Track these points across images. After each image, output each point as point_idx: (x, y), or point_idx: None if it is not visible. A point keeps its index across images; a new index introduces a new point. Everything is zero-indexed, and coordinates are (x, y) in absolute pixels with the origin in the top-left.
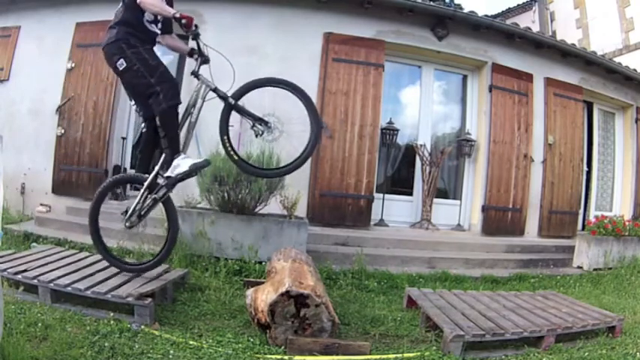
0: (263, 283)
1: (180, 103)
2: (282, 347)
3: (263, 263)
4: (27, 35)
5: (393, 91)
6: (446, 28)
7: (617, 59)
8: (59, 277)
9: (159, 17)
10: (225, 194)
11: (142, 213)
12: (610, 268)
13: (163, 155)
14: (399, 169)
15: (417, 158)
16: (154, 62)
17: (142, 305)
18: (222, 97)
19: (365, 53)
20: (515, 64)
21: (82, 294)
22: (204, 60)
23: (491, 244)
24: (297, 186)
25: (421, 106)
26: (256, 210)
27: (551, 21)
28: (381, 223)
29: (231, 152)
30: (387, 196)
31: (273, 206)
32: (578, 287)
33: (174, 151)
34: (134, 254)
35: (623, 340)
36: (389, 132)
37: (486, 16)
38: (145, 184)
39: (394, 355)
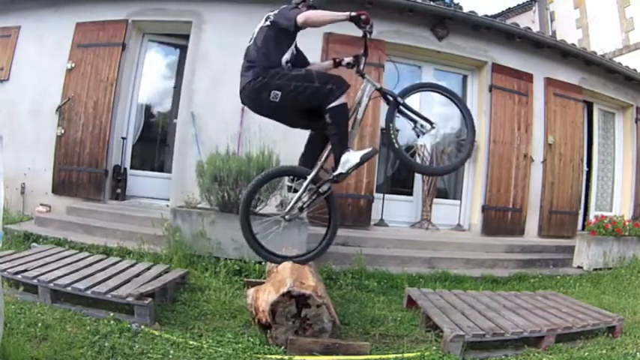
0: (263, 283)
1: (350, 85)
2: (283, 347)
3: (263, 263)
4: (27, 35)
5: None
6: (446, 28)
7: (617, 59)
8: (59, 277)
9: (293, 52)
10: (225, 194)
11: (305, 206)
12: (610, 268)
13: (328, 150)
14: (399, 169)
15: (417, 158)
16: (303, 71)
17: (141, 305)
18: (389, 95)
19: None
20: (515, 64)
21: (82, 294)
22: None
23: (491, 244)
24: None
25: (421, 106)
26: (256, 210)
27: (551, 21)
28: (381, 223)
29: (394, 140)
30: (387, 196)
31: (273, 206)
32: (578, 287)
33: (344, 147)
34: (133, 254)
35: (623, 340)
36: None
37: (486, 16)
38: (309, 177)
39: (394, 355)
